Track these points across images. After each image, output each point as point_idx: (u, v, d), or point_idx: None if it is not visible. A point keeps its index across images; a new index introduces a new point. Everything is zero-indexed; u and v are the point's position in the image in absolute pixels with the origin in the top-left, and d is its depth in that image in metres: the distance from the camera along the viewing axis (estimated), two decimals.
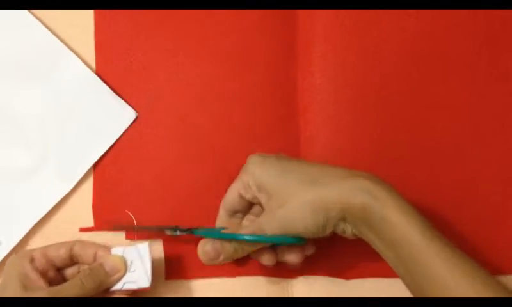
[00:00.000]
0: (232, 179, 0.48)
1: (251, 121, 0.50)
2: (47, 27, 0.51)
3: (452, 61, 0.50)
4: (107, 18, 0.51)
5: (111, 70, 0.51)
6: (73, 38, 0.51)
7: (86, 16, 0.51)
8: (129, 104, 0.51)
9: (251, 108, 0.50)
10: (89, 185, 0.50)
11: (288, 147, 0.50)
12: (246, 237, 0.43)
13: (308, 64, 0.50)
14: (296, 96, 0.50)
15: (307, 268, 0.48)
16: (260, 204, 0.45)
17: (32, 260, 0.45)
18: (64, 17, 0.51)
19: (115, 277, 0.45)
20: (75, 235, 0.49)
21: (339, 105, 0.50)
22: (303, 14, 0.51)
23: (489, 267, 0.40)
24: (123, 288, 0.45)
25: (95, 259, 0.46)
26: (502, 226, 0.49)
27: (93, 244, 0.47)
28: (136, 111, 0.51)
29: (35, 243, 0.49)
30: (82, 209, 0.50)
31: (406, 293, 0.43)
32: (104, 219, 0.50)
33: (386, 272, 0.45)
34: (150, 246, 0.46)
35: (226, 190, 0.48)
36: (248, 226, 0.44)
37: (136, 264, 0.45)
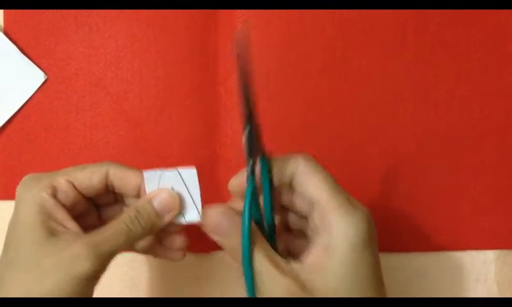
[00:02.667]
0: (146, 147, 0.46)
1: (168, 87, 0.47)
2: None
3: (375, 34, 0.47)
4: None
5: (19, 28, 0.48)
6: None
7: None
8: (38, 66, 0.47)
9: (168, 73, 0.47)
10: None
11: (207, 116, 0.47)
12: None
13: (230, 31, 0.47)
14: (217, 64, 0.47)
15: None
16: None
17: (55, 191, 0.34)
18: None
19: (167, 218, 0.36)
20: None
21: (262, 74, 0.47)
22: None
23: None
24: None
25: (138, 192, 0.36)
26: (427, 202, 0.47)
27: (135, 171, 0.36)
28: (45, 73, 0.47)
29: None
30: None
31: None
32: (8, 187, 0.47)
33: None
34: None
35: (139, 159, 0.45)
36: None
37: (179, 192, 0.36)
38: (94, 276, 0.33)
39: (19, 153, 0.47)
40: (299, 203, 0.34)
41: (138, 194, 0.36)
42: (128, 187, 0.36)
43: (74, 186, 0.36)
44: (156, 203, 0.35)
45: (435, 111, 0.46)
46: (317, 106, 0.47)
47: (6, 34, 0.47)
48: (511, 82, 0.46)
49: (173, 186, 0.36)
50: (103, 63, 0.47)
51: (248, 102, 0.31)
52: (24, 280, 0.32)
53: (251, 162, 0.32)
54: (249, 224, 0.32)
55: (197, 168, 0.46)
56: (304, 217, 0.35)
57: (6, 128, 0.47)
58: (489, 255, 0.46)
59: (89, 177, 0.36)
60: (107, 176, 0.36)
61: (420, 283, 0.46)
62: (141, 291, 0.46)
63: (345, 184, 0.46)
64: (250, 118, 0.31)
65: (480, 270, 0.46)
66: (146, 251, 0.38)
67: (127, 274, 0.46)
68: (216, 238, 0.34)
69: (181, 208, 0.36)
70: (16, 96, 0.47)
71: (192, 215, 0.36)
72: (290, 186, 0.34)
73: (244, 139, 0.32)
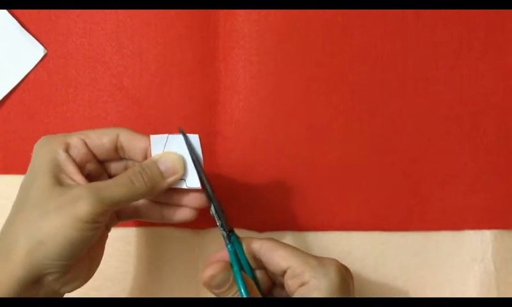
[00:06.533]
0: (145, 123, 0.46)
1: (168, 64, 0.47)
2: None
3: (376, 11, 0.47)
4: None
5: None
6: None
7: None
8: (38, 40, 0.47)
9: (168, 49, 0.47)
10: None
11: (206, 92, 0.47)
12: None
13: (230, 8, 0.47)
14: (217, 41, 0.47)
15: None
16: None
17: (68, 147, 0.37)
18: None
19: (171, 179, 0.37)
20: None
21: (261, 50, 0.47)
22: None
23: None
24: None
25: (145, 156, 0.38)
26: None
27: (143, 136, 0.39)
28: (45, 48, 0.47)
29: None
30: None
31: (309, 246, 0.43)
32: (7, 162, 0.47)
33: (296, 225, 0.46)
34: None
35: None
36: None
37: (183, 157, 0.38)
38: (94, 220, 0.34)
39: (18, 127, 0.47)
40: (271, 269, 0.38)
41: (145, 158, 0.38)
42: (136, 149, 0.38)
43: (86, 144, 0.38)
44: (161, 165, 0.37)
45: (435, 89, 0.46)
46: (317, 82, 0.47)
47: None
48: (511, 61, 0.46)
49: (178, 151, 0.38)
50: (103, 38, 0.47)
51: (206, 187, 0.37)
52: (27, 220, 0.34)
53: (225, 234, 0.38)
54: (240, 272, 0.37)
55: None
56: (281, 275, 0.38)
57: (5, 103, 0.47)
58: (487, 235, 0.46)
59: (100, 136, 0.38)
60: (117, 139, 0.38)
61: (417, 262, 0.46)
62: (137, 265, 0.46)
63: (343, 160, 0.46)
64: (211, 197, 0.37)
65: (477, 249, 0.46)
66: (153, 216, 0.40)
67: (123, 249, 0.46)
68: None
69: (184, 172, 0.37)
70: (15, 71, 0.47)
71: (193, 180, 0.37)
72: (256, 259, 0.38)
73: (214, 215, 0.38)
